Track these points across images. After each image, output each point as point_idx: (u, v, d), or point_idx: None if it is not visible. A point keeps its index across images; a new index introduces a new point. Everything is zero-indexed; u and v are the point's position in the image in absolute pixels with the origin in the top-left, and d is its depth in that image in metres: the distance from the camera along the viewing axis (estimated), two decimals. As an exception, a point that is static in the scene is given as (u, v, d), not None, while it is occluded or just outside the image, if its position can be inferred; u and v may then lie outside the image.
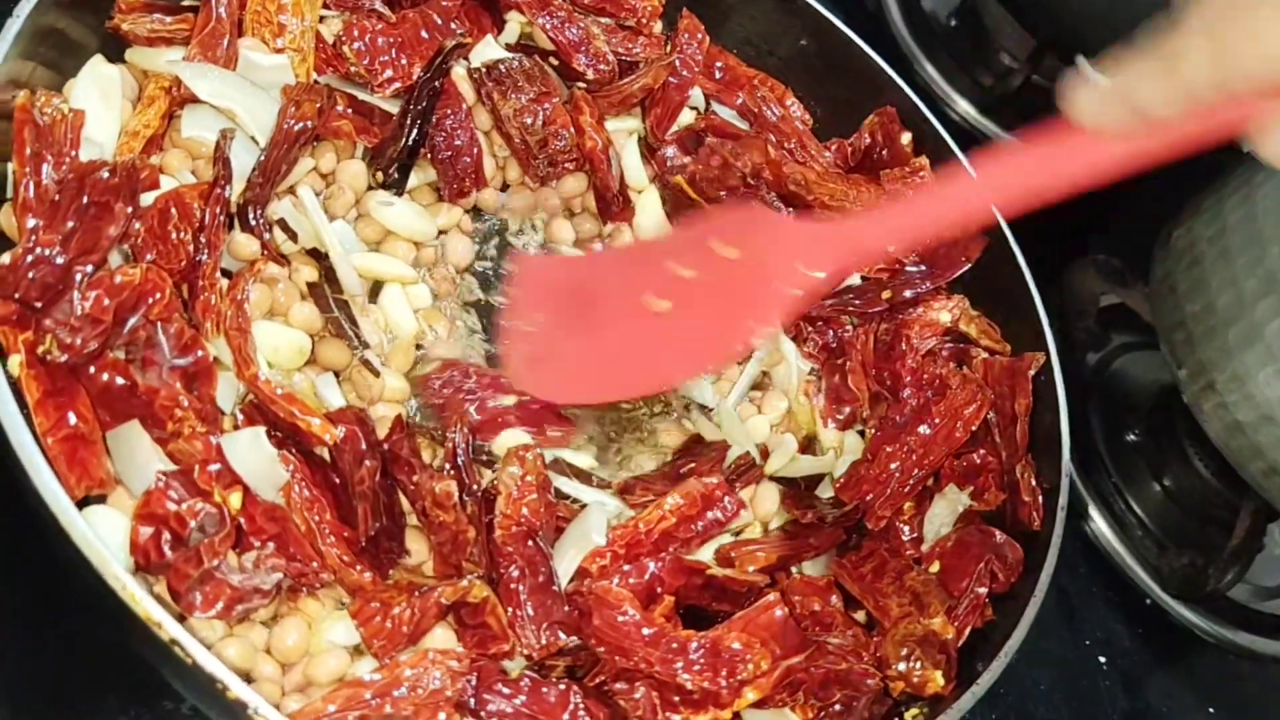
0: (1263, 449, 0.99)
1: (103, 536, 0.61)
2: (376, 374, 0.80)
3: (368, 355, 0.81)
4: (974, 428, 0.88)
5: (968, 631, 0.81)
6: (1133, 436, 1.24)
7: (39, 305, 0.66)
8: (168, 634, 0.58)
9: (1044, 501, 0.87)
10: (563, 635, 0.73)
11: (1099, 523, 1.16)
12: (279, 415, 0.72)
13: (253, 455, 0.70)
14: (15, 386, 0.63)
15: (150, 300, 0.69)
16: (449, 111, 0.91)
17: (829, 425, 0.94)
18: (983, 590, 0.81)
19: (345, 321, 0.81)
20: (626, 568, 0.78)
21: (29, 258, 0.67)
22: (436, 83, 0.89)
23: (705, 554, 0.83)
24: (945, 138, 1.04)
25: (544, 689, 0.70)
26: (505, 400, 0.83)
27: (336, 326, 0.81)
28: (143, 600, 0.58)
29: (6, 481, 0.72)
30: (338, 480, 0.73)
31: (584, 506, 0.82)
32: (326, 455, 0.74)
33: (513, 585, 0.73)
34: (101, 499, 0.68)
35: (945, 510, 0.87)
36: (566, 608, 0.74)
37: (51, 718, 0.74)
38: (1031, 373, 0.90)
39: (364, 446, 0.73)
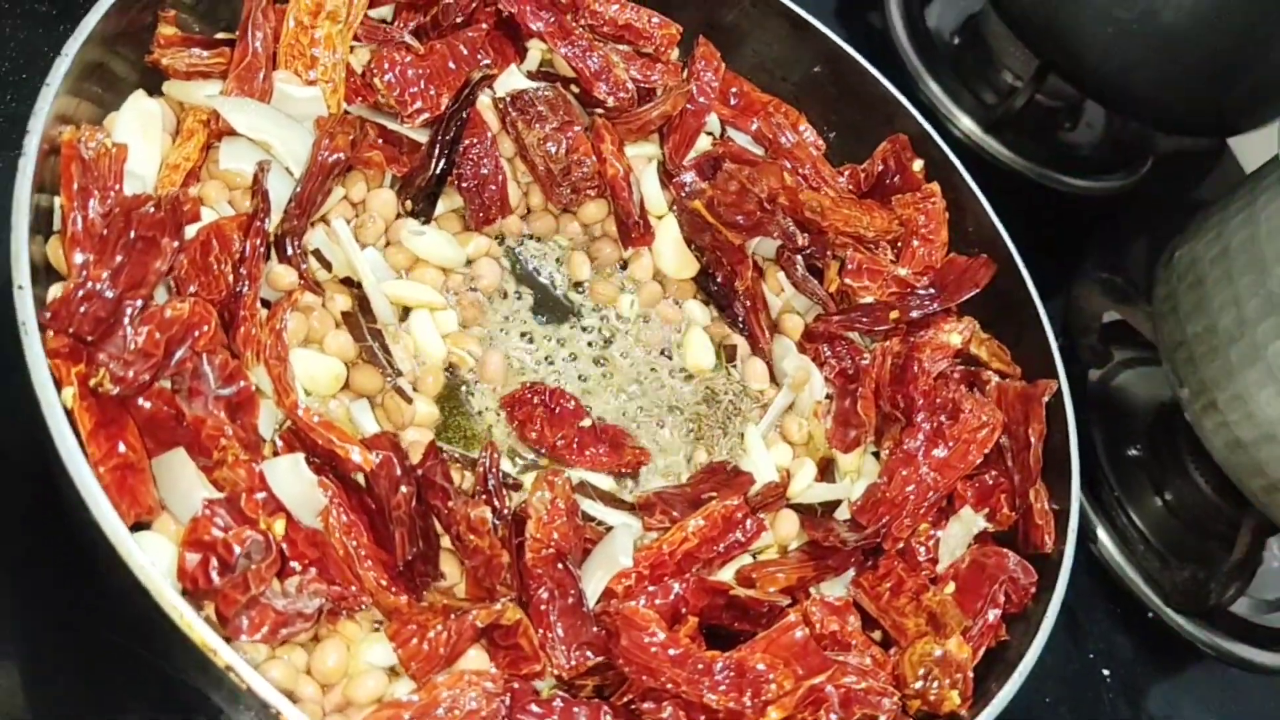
0: (1263, 466, 1.01)
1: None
2: (409, 400, 0.82)
3: (400, 383, 0.83)
4: (987, 450, 0.90)
5: (982, 651, 0.83)
6: (1134, 451, 1.26)
7: (90, 339, 0.68)
8: (223, 660, 0.60)
9: (1055, 524, 0.89)
10: (591, 655, 0.75)
11: (1102, 537, 1.18)
12: (317, 442, 0.74)
13: (293, 481, 0.72)
14: (70, 418, 0.65)
15: (197, 333, 0.71)
16: (474, 140, 0.93)
17: (832, 448, 0.96)
18: (997, 611, 0.83)
19: (379, 349, 0.83)
20: (652, 588, 0.80)
21: (80, 292, 0.69)
22: (464, 113, 0.91)
23: (726, 575, 0.85)
24: (956, 164, 1.06)
25: (576, 708, 0.72)
26: (583, 423, 0.88)
27: (369, 354, 0.83)
28: (198, 627, 0.60)
29: (50, 500, 0.74)
30: (373, 505, 0.76)
31: (609, 529, 0.84)
32: (361, 480, 0.76)
33: (543, 607, 0.76)
34: (146, 525, 0.70)
35: (960, 532, 0.89)
36: (595, 628, 0.76)
37: (83, 735, 0.76)
38: (1045, 399, 0.92)
39: (399, 472, 0.75)
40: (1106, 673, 1.12)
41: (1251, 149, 1.68)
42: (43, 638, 0.77)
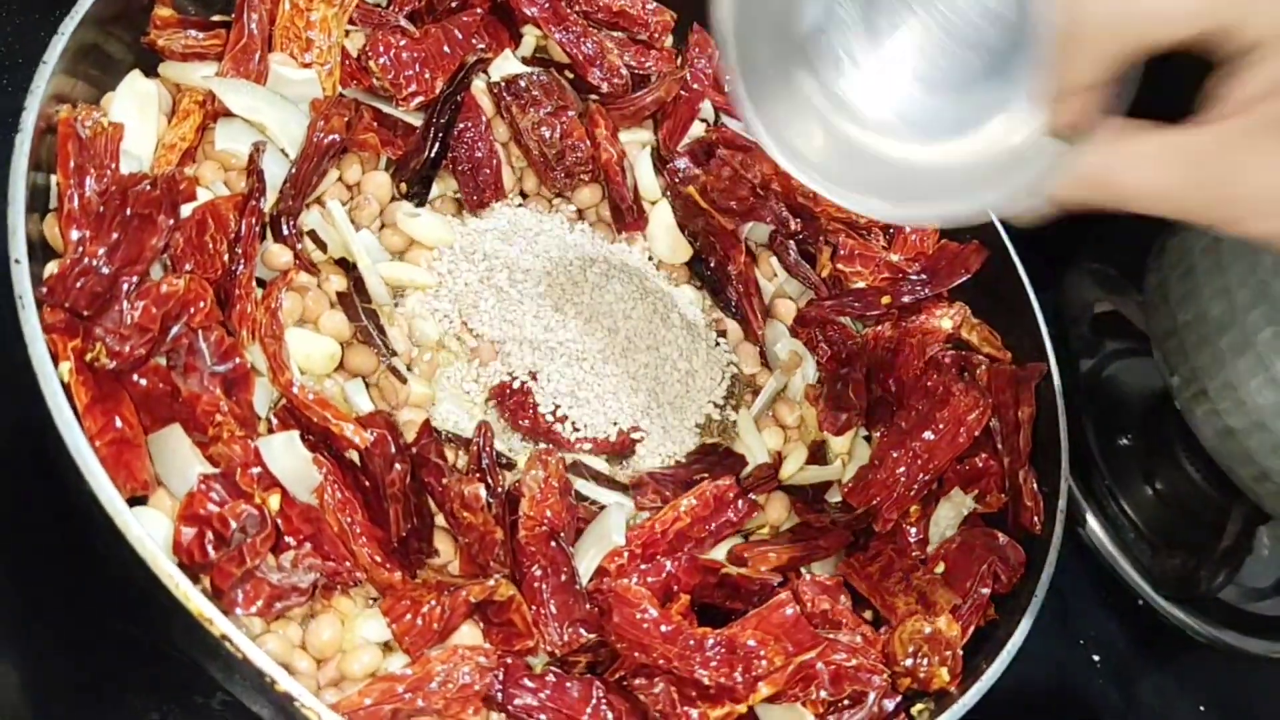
0: (1253, 454, 1.02)
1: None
2: (403, 380, 0.83)
3: (394, 363, 0.83)
4: (976, 434, 0.90)
5: (971, 630, 0.84)
6: (1125, 441, 1.26)
7: (87, 314, 0.69)
8: (218, 630, 0.60)
9: (1044, 506, 0.90)
10: (584, 632, 0.76)
11: (1093, 525, 1.19)
12: (312, 420, 0.75)
13: (288, 458, 0.73)
14: (66, 392, 0.66)
15: (193, 309, 0.72)
16: (469, 124, 0.94)
17: (824, 431, 0.97)
18: (986, 591, 0.84)
19: (374, 330, 0.84)
20: (644, 566, 0.81)
21: (76, 268, 0.69)
22: (458, 97, 0.91)
23: (718, 555, 0.86)
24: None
25: (568, 684, 0.73)
26: None
27: (365, 334, 0.83)
28: (194, 597, 0.61)
29: (43, 482, 0.75)
30: (367, 483, 0.76)
31: (602, 508, 0.84)
32: (356, 458, 0.77)
33: (536, 584, 0.76)
34: (142, 500, 0.70)
35: (950, 513, 0.90)
36: (588, 605, 0.77)
37: (82, 714, 0.76)
38: (1034, 383, 0.93)
39: (394, 450, 0.76)
40: (1097, 659, 1.12)
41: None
42: (37, 624, 0.77)
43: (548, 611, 0.75)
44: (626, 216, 1.00)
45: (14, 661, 0.76)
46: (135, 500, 0.69)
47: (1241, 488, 1.06)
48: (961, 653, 0.80)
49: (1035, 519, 0.89)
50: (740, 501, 0.85)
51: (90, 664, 0.77)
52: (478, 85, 0.95)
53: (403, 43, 0.91)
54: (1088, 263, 1.34)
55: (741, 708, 0.74)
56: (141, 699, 0.77)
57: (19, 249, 0.67)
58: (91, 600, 0.78)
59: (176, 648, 0.77)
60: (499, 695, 0.71)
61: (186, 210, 0.77)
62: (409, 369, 0.85)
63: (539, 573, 0.77)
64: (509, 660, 0.72)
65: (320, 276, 0.84)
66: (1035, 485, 0.90)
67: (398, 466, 0.75)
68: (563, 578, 0.77)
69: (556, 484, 0.79)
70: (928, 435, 0.90)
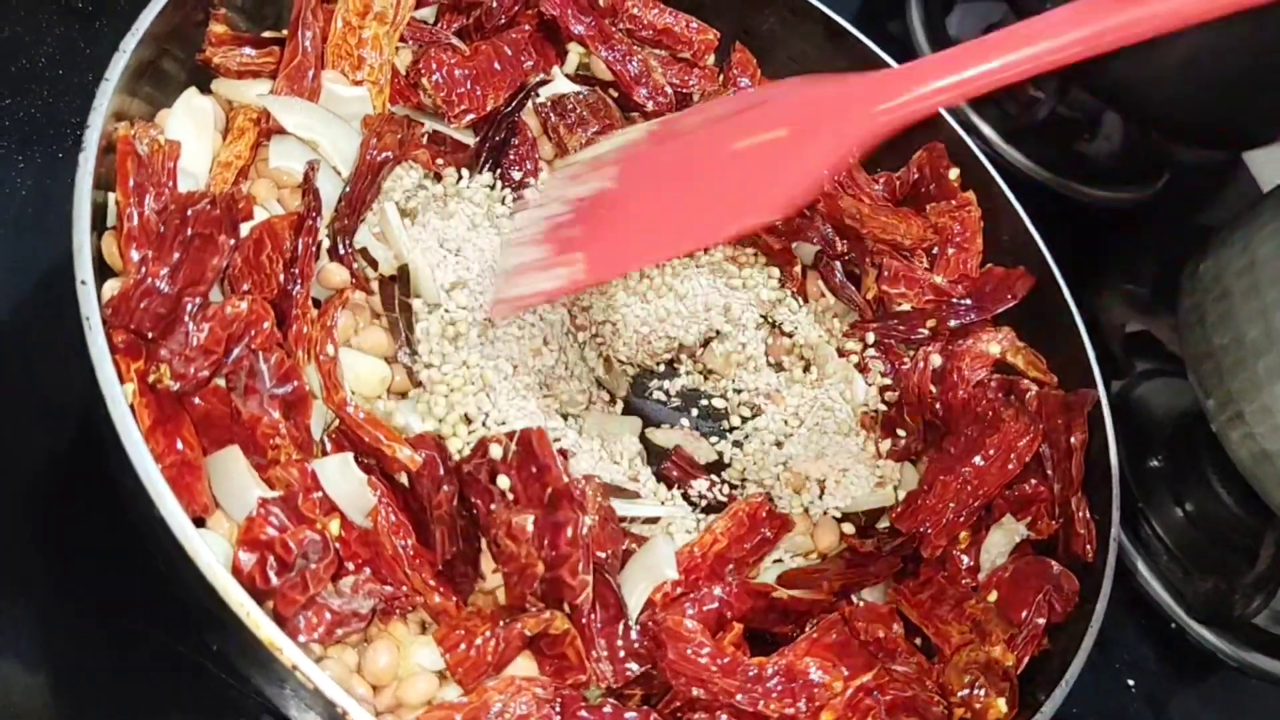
0: (1290, 479, 1.02)
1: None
2: (416, 383, 0.82)
3: (412, 361, 0.83)
4: (1027, 460, 0.90)
5: (1026, 660, 0.83)
6: (1156, 462, 1.26)
7: (150, 335, 0.68)
8: (288, 659, 0.60)
9: (1096, 533, 0.89)
10: (636, 666, 0.75)
11: (1126, 547, 1.18)
12: (364, 441, 0.74)
13: (343, 480, 0.72)
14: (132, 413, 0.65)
15: (254, 331, 0.71)
16: (516, 142, 0.93)
17: (883, 458, 0.96)
18: (1042, 620, 0.83)
19: (402, 323, 0.82)
20: (695, 595, 0.80)
21: (139, 289, 0.68)
22: (515, 116, 0.91)
23: (767, 578, 0.85)
24: (992, 173, 1.07)
25: (625, 715, 0.72)
26: None
27: (393, 324, 0.82)
28: (265, 626, 0.60)
29: (102, 490, 0.74)
30: (416, 505, 0.75)
31: (644, 525, 0.84)
32: (406, 480, 0.76)
33: (584, 619, 0.75)
34: (200, 522, 0.69)
35: (1002, 540, 0.89)
36: (638, 640, 0.76)
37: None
38: (1087, 409, 0.92)
39: (442, 472, 0.75)
40: (1131, 683, 1.12)
41: (1266, 164, 1.69)
42: (81, 639, 0.77)
43: (597, 646, 0.74)
44: (671, 235, 0.99)
45: (54, 675, 0.75)
46: (194, 524, 0.69)
47: (1277, 511, 1.06)
48: (1018, 684, 0.80)
49: (1088, 546, 0.88)
50: (772, 518, 0.85)
51: (132, 682, 0.76)
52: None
53: (454, 60, 0.91)
54: (1119, 283, 1.34)
55: (802, 736, 0.73)
56: (184, 718, 0.77)
57: (85, 270, 0.66)
58: (139, 618, 0.77)
59: (226, 669, 0.76)
60: (557, 727, 0.70)
61: (244, 230, 0.77)
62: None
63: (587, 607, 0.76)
64: (565, 691, 0.71)
65: (374, 296, 0.83)
66: (1087, 512, 0.90)
67: (445, 488, 0.74)
68: (612, 611, 0.76)
69: (601, 515, 0.78)
70: (977, 461, 0.89)
